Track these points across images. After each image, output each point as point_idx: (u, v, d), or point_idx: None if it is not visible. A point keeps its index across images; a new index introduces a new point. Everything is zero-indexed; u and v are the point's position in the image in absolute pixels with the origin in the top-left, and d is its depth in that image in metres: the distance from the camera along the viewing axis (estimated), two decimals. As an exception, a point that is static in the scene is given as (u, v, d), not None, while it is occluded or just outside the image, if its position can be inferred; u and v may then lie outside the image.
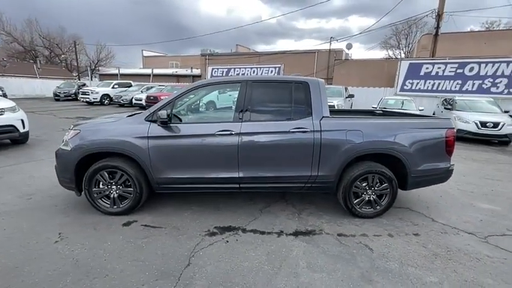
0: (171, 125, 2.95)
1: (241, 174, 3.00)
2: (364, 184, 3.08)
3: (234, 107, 3.13)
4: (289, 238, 2.72)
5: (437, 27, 13.92)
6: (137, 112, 3.46)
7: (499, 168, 5.57)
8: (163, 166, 2.96)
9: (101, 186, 3.04)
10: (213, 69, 22.58)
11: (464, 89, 13.39)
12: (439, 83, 14.00)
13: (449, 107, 9.78)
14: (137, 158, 2.92)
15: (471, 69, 13.30)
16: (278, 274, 2.18)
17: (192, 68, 26.80)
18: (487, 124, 8.00)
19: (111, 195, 3.05)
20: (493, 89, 12.85)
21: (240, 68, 21.52)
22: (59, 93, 20.62)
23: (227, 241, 2.64)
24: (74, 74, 34.11)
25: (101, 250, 2.43)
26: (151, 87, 18.51)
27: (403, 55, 31.52)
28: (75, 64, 33.20)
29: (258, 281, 2.09)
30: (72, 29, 65.05)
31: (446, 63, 13.85)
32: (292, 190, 3.41)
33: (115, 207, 3.06)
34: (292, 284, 2.07)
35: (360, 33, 38.09)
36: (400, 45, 33.13)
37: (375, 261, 2.37)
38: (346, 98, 12.50)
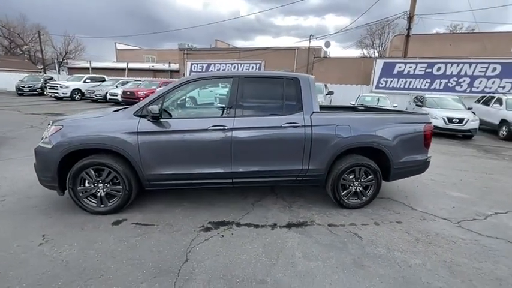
0: (161, 120, 2.88)
1: (234, 169, 3.01)
2: (351, 176, 3.23)
3: (217, 103, 3.12)
4: (283, 230, 2.80)
5: (409, 29, 14.75)
6: (124, 107, 3.34)
7: (464, 160, 6.09)
8: (154, 162, 2.89)
9: (86, 184, 2.90)
10: (192, 64, 22.09)
11: (432, 87, 14.39)
12: (411, 81, 14.91)
13: (420, 104, 10.45)
14: (126, 155, 2.82)
15: (439, 69, 14.31)
16: (276, 265, 2.24)
17: (170, 62, 25.96)
18: (454, 120, 8.67)
19: (98, 194, 2.92)
20: (457, 88, 13.95)
21: (220, 64, 21.25)
22: (23, 87, 19.01)
23: (223, 235, 2.65)
24: (39, 67, 31.55)
25: (92, 250, 2.34)
26: (127, 82, 17.68)
27: (376, 54, 32.92)
28: (40, 56, 30.71)
29: (258, 272, 2.14)
30: (36, 18, 59.89)
31: (417, 63, 14.76)
32: (283, 184, 3.49)
33: (102, 206, 2.94)
34: (291, 273, 2.15)
35: (338, 32, 39.25)
36: (374, 45, 34.63)
37: (365, 248, 2.52)
38: (326, 94, 12.85)
